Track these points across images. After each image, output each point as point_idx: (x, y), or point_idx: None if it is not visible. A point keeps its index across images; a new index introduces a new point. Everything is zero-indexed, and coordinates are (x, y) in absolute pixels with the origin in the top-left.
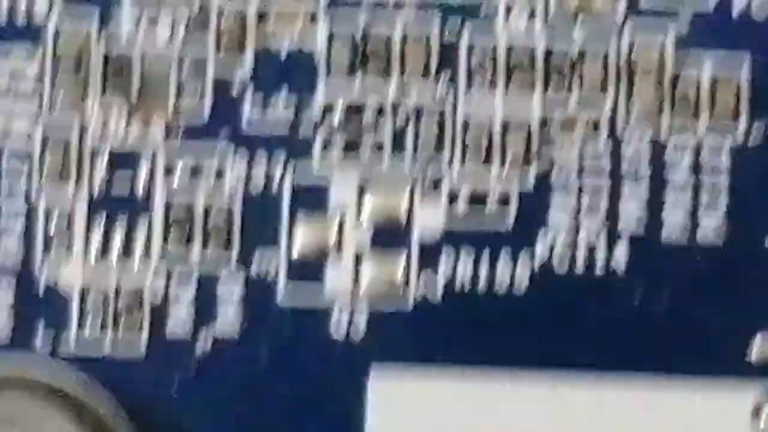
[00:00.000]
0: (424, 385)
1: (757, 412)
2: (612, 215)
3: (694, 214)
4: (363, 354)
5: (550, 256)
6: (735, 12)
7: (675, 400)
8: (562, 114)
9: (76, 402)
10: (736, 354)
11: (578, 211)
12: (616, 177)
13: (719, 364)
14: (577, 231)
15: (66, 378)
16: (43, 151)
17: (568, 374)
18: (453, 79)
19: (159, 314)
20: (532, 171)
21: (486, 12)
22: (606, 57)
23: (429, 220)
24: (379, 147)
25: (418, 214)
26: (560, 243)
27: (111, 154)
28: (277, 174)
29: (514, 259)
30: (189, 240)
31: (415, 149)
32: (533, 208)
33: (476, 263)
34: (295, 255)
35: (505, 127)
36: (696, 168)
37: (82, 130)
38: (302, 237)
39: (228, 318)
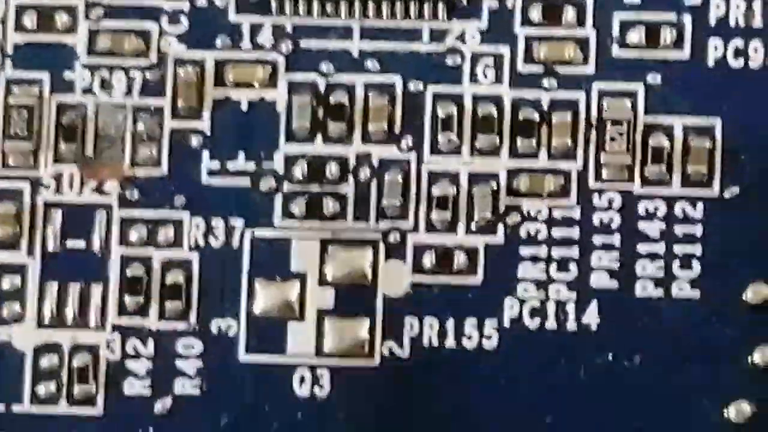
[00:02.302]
0: None
1: None
2: (584, 269)
3: (668, 267)
4: (328, 412)
5: (521, 312)
6: (710, 60)
7: None
8: (531, 167)
9: None
10: (713, 413)
11: (549, 264)
12: (587, 229)
13: (696, 424)
14: (548, 285)
15: None
16: None
17: None
18: (418, 134)
19: (116, 372)
20: (501, 224)
21: (451, 66)
22: (576, 108)
23: (394, 276)
24: (343, 203)
25: (383, 270)
26: (530, 297)
27: (65, 210)
28: (238, 229)
29: (483, 315)
30: (147, 296)
31: (379, 205)
32: (502, 263)
33: (444, 319)
34: (256, 312)
35: (472, 181)
36: (669, 220)
37: (35, 186)
38: (263, 294)
39: (188, 375)
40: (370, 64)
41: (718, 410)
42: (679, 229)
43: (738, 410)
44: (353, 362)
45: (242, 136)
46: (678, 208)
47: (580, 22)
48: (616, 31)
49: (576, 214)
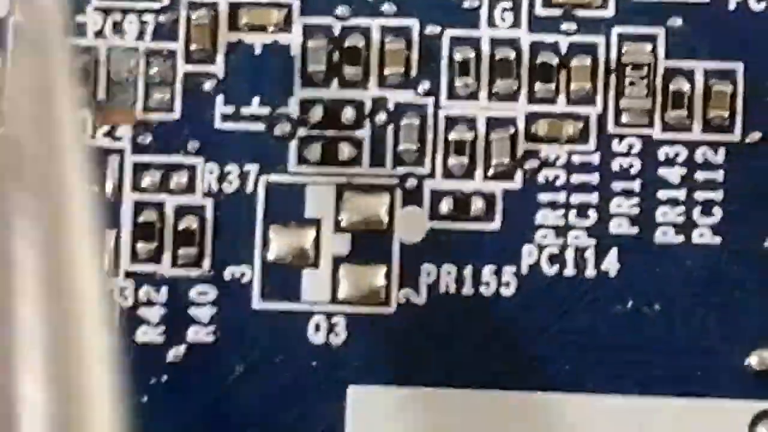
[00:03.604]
0: (404, 404)
1: (755, 423)
2: (603, 215)
3: (689, 213)
4: (343, 360)
5: (539, 258)
6: (731, 3)
7: (670, 412)
8: (550, 111)
9: None
10: (734, 362)
11: (567, 210)
12: (606, 175)
13: (717, 373)
14: (566, 232)
15: None
16: None
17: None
18: (435, 78)
19: (129, 318)
20: (519, 170)
21: (468, 9)
22: (595, 52)
23: (411, 223)
24: (358, 149)
25: (399, 217)
26: (549, 244)
27: None
28: (252, 174)
29: (501, 262)
30: (160, 242)
31: (396, 151)
32: (520, 209)
33: (461, 265)
34: (270, 258)
35: (490, 126)
36: (690, 165)
37: None
38: (278, 241)
39: (201, 323)
40: (386, 7)
41: (739, 358)
42: (700, 175)
43: (760, 358)
44: (369, 309)
45: (256, 80)
46: (699, 154)
47: None
48: None
49: (595, 159)
